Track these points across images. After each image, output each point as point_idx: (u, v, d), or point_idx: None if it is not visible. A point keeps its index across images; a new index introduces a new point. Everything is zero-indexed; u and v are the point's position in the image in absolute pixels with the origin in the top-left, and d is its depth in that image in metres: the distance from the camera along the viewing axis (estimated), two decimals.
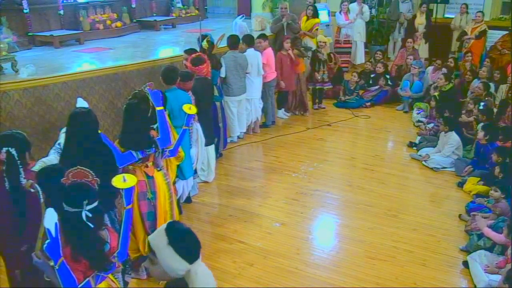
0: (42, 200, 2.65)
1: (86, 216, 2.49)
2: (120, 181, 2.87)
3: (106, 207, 3.28)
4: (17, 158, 2.93)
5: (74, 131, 3.29)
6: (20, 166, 2.94)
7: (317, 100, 8.36)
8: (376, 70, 8.71)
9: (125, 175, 2.92)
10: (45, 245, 2.33)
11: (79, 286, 2.45)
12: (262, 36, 7.10)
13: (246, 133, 7.13)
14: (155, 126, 3.75)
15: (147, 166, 3.71)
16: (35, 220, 2.75)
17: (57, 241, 2.34)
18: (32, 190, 2.68)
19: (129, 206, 2.91)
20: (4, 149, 2.92)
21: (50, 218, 2.33)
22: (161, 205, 3.84)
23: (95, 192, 2.66)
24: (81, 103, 3.67)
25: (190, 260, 1.93)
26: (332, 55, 8.68)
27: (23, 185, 2.91)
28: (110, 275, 2.73)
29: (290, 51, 7.38)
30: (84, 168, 2.71)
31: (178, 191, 4.86)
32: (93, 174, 2.72)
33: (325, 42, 7.99)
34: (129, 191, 2.91)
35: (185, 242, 1.96)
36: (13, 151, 2.92)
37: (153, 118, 3.73)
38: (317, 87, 8.21)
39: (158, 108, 3.80)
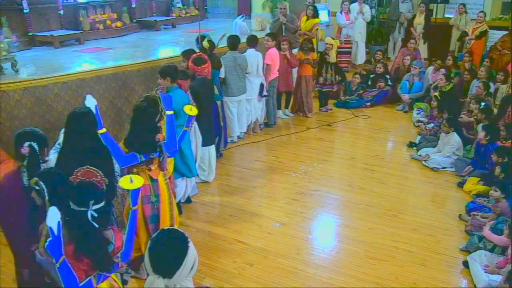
0: (46, 198, 2.66)
1: (92, 215, 2.50)
2: (127, 182, 2.86)
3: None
4: (38, 153, 2.96)
5: (72, 131, 3.28)
6: (41, 161, 2.98)
7: (323, 102, 8.31)
8: (376, 70, 8.71)
9: (132, 176, 2.92)
10: (46, 243, 2.33)
11: (80, 285, 2.45)
12: (270, 35, 7.13)
13: (246, 133, 7.13)
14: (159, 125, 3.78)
15: (150, 170, 3.71)
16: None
17: (59, 240, 2.34)
18: (37, 188, 2.69)
19: (135, 207, 2.90)
20: (27, 143, 2.94)
21: (53, 217, 2.33)
22: (163, 207, 3.85)
23: (102, 192, 2.66)
24: (90, 100, 3.66)
25: (160, 273, 1.91)
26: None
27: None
28: (112, 275, 2.72)
29: (287, 52, 7.36)
30: (93, 168, 2.72)
31: (181, 191, 4.87)
32: (102, 174, 2.73)
33: (332, 45, 7.94)
34: (136, 192, 2.90)
35: (158, 253, 1.94)
36: (35, 145, 2.95)
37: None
38: (324, 90, 8.17)
39: (168, 112, 3.81)
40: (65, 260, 2.37)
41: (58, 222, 2.34)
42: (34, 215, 2.86)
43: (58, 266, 2.36)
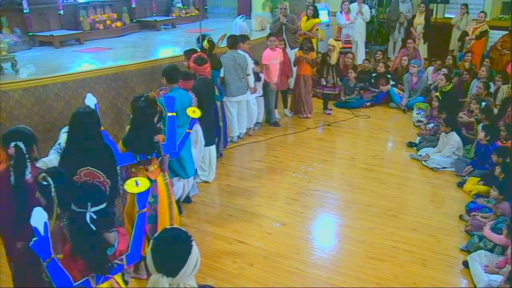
0: (54, 194, 2.66)
1: (91, 217, 2.49)
2: (133, 186, 2.84)
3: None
4: (25, 152, 2.96)
5: (76, 131, 3.26)
6: (28, 161, 2.98)
7: (326, 104, 8.29)
8: (377, 69, 8.71)
9: (138, 179, 2.90)
10: (31, 243, 2.32)
11: (75, 285, 2.43)
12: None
13: (246, 133, 7.13)
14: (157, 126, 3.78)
15: (147, 170, 3.70)
16: None
17: (46, 240, 2.33)
18: (45, 183, 2.68)
19: (143, 210, 2.86)
20: (13, 143, 2.95)
21: (38, 217, 2.32)
22: (162, 208, 3.84)
23: (103, 194, 2.64)
24: (90, 98, 3.66)
25: (164, 272, 1.91)
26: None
27: (27, 179, 2.94)
28: (115, 276, 2.71)
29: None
30: (95, 170, 2.71)
31: (179, 190, 4.86)
32: (104, 176, 2.71)
33: (334, 46, 7.91)
34: (143, 195, 2.88)
35: (161, 252, 1.93)
36: (21, 145, 2.95)
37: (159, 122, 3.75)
38: (325, 92, 8.16)
39: (169, 114, 3.80)
40: (54, 259, 2.36)
41: (45, 222, 2.33)
42: (22, 213, 2.87)
43: (46, 265, 2.35)
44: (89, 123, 3.27)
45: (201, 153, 5.29)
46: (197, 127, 5.02)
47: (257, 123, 7.40)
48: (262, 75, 7.02)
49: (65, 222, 2.70)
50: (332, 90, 8.14)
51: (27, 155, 2.98)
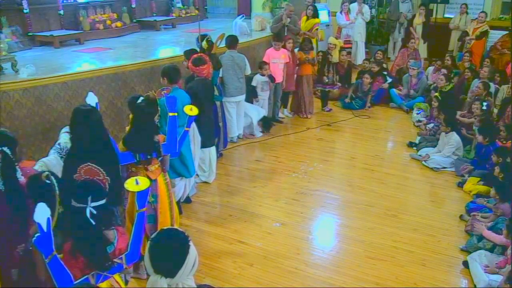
0: (57, 192, 2.65)
1: (90, 213, 2.49)
2: (133, 184, 2.84)
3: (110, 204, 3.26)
4: (12, 157, 2.90)
5: (77, 129, 3.19)
6: (16, 164, 2.93)
7: (325, 102, 8.33)
8: (371, 69, 8.69)
9: (138, 178, 2.89)
10: (34, 238, 2.32)
11: (75, 283, 2.44)
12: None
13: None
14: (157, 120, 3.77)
15: (147, 170, 3.70)
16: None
17: (49, 236, 2.33)
18: (48, 182, 2.68)
19: (142, 210, 2.86)
20: None
21: (42, 213, 2.32)
22: (163, 208, 3.84)
23: (103, 190, 2.65)
24: (91, 97, 3.65)
25: (162, 273, 1.90)
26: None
27: (21, 181, 2.90)
28: (115, 275, 2.71)
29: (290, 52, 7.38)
30: (95, 166, 2.71)
31: (180, 190, 4.86)
32: (104, 173, 2.72)
33: (335, 45, 7.94)
34: (143, 194, 2.87)
35: (159, 254, 1.93)
36: (6, 150, 2.88)
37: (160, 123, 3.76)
38: (326, 89, 8.20)
39: (171, 114, 3.80)
40: (55, 256, 2.36)
41: (48, 218, 2.33)
42: (15, 217, 2.84)
43: (48, 261, 2.35)
44: (89, 119, 3.25)
45: (198, 153, 5.27)
46: (193, 125, 5.00)
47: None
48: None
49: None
50: (332, 88, 8.19)
51: (13, 159, 2.90)
